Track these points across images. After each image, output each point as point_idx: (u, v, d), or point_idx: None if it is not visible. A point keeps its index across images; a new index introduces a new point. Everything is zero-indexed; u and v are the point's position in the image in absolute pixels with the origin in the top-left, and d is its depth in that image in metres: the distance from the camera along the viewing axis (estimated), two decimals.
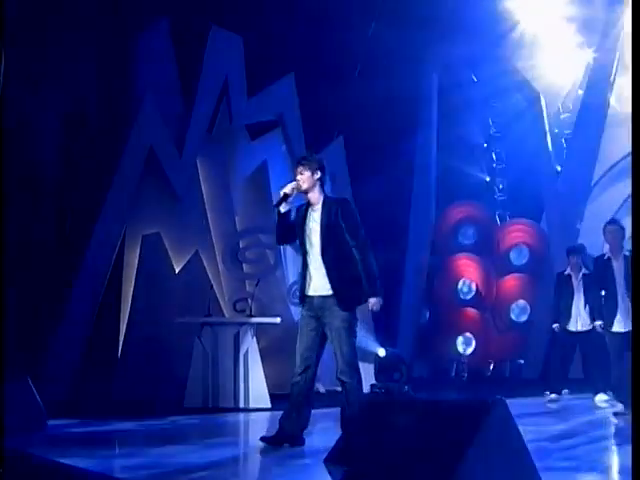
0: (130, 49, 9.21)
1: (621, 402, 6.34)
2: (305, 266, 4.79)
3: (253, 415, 7.00)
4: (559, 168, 11.52)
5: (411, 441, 3.25)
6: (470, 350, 11.34)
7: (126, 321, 8.60)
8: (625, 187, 9.21)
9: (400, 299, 11.31)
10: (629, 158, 8.22)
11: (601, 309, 6.61)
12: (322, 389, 8.44)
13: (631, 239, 4.68)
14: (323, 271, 4.71)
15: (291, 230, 4.83)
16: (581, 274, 7.87)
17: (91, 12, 9.05)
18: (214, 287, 8.79)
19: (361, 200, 9.87)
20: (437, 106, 11.76)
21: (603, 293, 6.60)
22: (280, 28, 9.72)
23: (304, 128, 9.74)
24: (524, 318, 11.32)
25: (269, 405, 7.14)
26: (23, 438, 5.02)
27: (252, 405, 7.20)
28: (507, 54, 11.30)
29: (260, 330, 7.62)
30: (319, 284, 4.71)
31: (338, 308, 4.67)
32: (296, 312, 7.57)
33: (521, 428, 3.15)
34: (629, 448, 3.43)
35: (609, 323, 6.45)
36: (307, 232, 4.76)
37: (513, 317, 11.44)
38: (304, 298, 4.79)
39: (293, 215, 4.86)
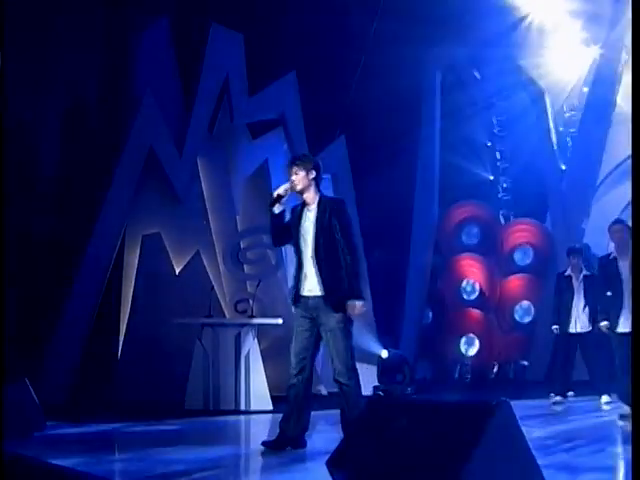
0: (130, 48, 9.22)
1: (628, 404, 6.31)
2: (299, 266, 4.79)
3: (254, 417, 6.98)
4: (564, 167, 11.48)
5: (414, 444, 3.24)
6: (472, 351, 11.32)
7: (126, 322, 8.60)
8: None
9: (403, 300, 11.29)
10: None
11: (607, 310, 6.59)
12: (324, 391, 8.43)
13: (631, 239, 4.65)
14: (317, 271, 4.70)
15: (286, 231, 4.83)
16: (582, 275, 7.86)
17: (91, 11, 9.06)
18: (215, 288, 8.78)
19: (364, 200, 9.89)
20: (440, 105, 11.74)
21: (609, 294, 6.57)
22: (281, 26, 9.72)
23: (306, 127, 9.72)
24: (528, 319, 11.29)
25: (271, 407, 7.13)
26: (21, 440, 5.02)
27: (253, 407, 7.19)
28: (511, 52, 11.27)
29: (261, 331, 7.61)
30: (314, 284, 4.71)
31: (332, 309, 4.65)
32: None
33: (525, 430, 3.13)
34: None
35: (614, 324, 6.43)
36: (302, 232, 4.77)
37: (517, 318, 11.41)
38: (298, 298, 4.77)
39: (287, 216, 4.85)
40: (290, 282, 5.05)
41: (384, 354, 9.35)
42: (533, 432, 5.20)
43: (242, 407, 7.20)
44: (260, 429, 6.44)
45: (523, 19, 11.39)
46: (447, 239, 11.95)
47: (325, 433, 5.27)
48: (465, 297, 11.70)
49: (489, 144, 12.72)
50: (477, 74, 11.93)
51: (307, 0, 9.93)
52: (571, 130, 11.72)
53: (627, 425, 5.87)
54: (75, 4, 8.81)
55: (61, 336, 8.26)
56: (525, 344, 11.11)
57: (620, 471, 4.32)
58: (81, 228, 8.49)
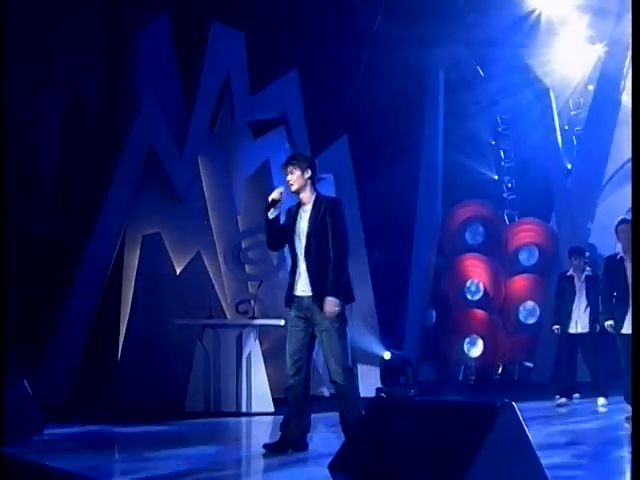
0: (130, 46, 9.21)
1: None
2: (294, 266, 4.79)
3: (256, 419, 6.97)
4: (569, 166, 11.45)
5: (417, 446, 3.23)
6: (476, 352, 11.30)
7: (126, 323, 8.60)
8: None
9: (406, 300, 11.27)
10: None
11: (612, 309, 6.57)
12: (326, 392, 8.42)
13: (632, 240, 4.63)
14: (308, 270, 4.71)
15: (282, 234, 4.82)
16: (584, 276, 7.84)
17: (90, 10, 9.06)
18: (216, 288, 8.78)
19: (366, 199, 9.88)
20: (443, 103, 11.72)
21: (615, 294, 6.55)
22: (283, 23, 9.71)
23: (308, 126, 9.71)
24: (533, 320, 11.27)
25: (272, 409, 7.11)
26: (19, 443, 5.02)
27: (255, 409, 7.18)
28: (515, 49, 11.24)
29: (263, 332, 7.60)
30: (306, 284, 4.71)
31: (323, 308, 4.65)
32: None
33: (530, 432, 3.12)
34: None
35: (620, 324, 6.41)
36: (297, 232, 4.77)
37: (522, 319, 11.39)
38: (292, 299, 4.77)
39: (283, 219, 4.84)
40: None
41: (387, 355, 9.33)
42: (538, 434, 5.19)
43: (243, 409, 7.19)
44: (261, 431, 6.43)
45: (528, 16, 11.37)
46: (451, 239, 11.92)
47: (327, 435, 5.26)
48: (469, 297, 11.68)
49: (493, 143, 12.69)
50: (481, 72, 11.91)
51: None
52: (576, 128, 11.68)
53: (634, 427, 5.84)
54: (75, 3, 8.82)
55: (61, 337, 8.26)
56: (530, 345, 11.09)
57: (626, 474, 4.30)
58: (81, 228, 8.49)
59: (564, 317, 7.80)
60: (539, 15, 11.34)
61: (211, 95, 9.30)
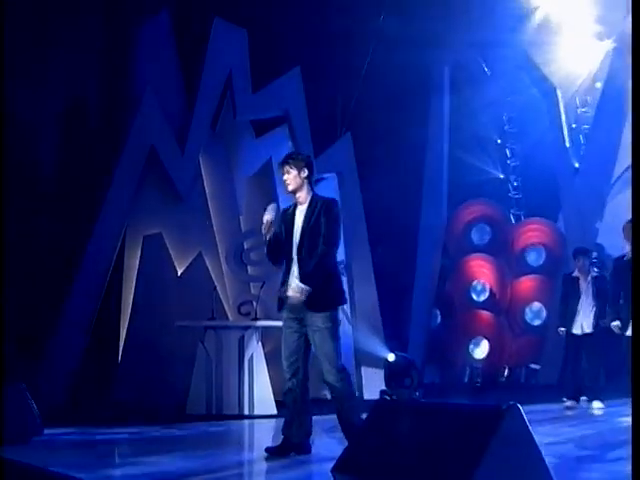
0: (130, 44, 9.22)
1: None
2: (287, 267, 4.78)
3: (258, 422, 6.97)
4: (577, 165, 11.43)
5: (422, 449, 3.22)
6: (482, 354, 11.29)
7: (126, 325, 8.60)
8: None
9: (411, 302, 11.27)
10: None
11: (618, 311, 6.55)
12: (329, 395, 8.40)
13: (632, 240, 4.62)
14: (298, 270, 4.71)
15: (280, 247, 4.80)
16: (590, 277, 7.82)
17: (90, 8, 9.07)
18: (218, 289, 8.78)
19: (370, 199, 9.87)
20: (449, 101, 11.71)
21: (622, 294, 6.54)
22: (286, 20, 9.70)
23: (311, 124, 9.70)
24: (540, 321, 11.26)
25: (275, 412, 7.11)
26: (18, 445, 5.02)
27: (257, 412, 7.18)
28: (522, 46, 11.22)
29: (266, 334, 7.60)
30: (298, 284, 4.69)
31: (314, 309, 4.65)
32: None
33: (537, 435, 3.11)
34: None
35: (626, 326, 6.40)
36: (292, 233, 4.76)
37: (528, 320, 11.38)
38: (285, 300, 4.76)
39: (279, 227, 4.83)
40: None
41: (391, 358, 9.32)
42: (544, 437, 5.18)
43: (245, 411, 7.19)
44: (264, 434, 6.42)
45: (534, 12, 11.35)
46: (456, 239, 11.92)
47: (329, 438, 5.25)
48: (475, 298, 11.68)
49: (499, 141, 12.69)
50: (487, 70, 11.90)
51: None
52: (584, 127, 11.67)
53: None
54: (74, 2, 8.83)
55: (61, 338, 8.26)
56: (537, 347, 11.08)
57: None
58: (81, 228, 8.50)
59: (569, 319, 7.78)
60: (546, 11, 11.32)
61: (213, 93, 9.30)
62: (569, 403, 7.76)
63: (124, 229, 8.76)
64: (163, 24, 9.29)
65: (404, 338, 10.87)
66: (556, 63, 11.47)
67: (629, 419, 6.35)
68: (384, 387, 8.94)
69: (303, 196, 4.78)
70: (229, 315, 8.93)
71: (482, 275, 11.61)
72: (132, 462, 4.88)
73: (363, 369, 9.33)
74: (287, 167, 4.78)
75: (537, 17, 11.37)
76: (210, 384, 7.31)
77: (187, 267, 8.98)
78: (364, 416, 3.90)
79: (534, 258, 11.58)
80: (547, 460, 3.14)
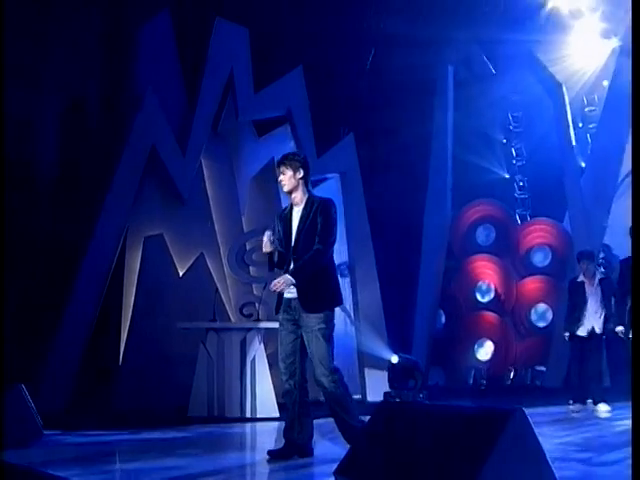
0: (131, 43, 9.23)
1: None
2: (285, 267, 4.79)
3: (260, 425, 6.97)
4: (583, 164, 11.41)
5: (425, 452, 3.22)
6: (487, 355, 11.27)
7: (127, 327, 8.61)
8: None
9: (415, 303, 11.26)
10: None
11: (622, 314, 6.53)
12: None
13: (631, 240, 4.61)
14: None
15: (280, 258, 4.84)
16: (596, 280, 7.80)
17: (91, 8, 9.09)
18: (219, 291, 8.79)
19: (374, 199, 9.87)
20: (453, 100, 11.70)
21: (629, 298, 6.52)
22: (288, 18, 9.71)
23: (314, 124, 9.71)
24: (545, 323, 11.24)
25: (277, 414, 7.11)
26: (18, 450, 5.02)
27: (259, 414, 7.18)
28: (528, 44, 11.21)
29: (268, 336, 7.59)
30: (294, 285, 4.70)
31: (308, 309, 4.66)
32: None
33: (542, 438, 3.10)
34: None
35: (629, 330, 6.37)
36: (290, 233, 4.78)
37: (534, 321, 11.36)
38: (281, 302, 4.78)
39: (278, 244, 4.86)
40: None
41: (394, 359, 9.31)
42: (550, 440, 5.17)
43: (248, 414, 7.20)
44: (266, 437, 6.43)
45: (540, 10, 11.34)
46: (461, 239, 11.92)
47: (332, 441, 5.24)
48: (480, 299, 11.68)
49: (504, 141, 12.68)
50: (492, 68, 11.89)
51: None
52: (591, 126, 11.65)
53: None
54: (75, 1, 8.85)
55: (61, 341, 8.27)
56: (542, 349, 11.06)
57: None
58: (81, 229, 8.51)
59: (575, 322, 7.76)
60: (551, 9, 11.31)
61: (214, 93, 9.30)
62: (575, 407, 7.75)
63: (125, 230, 8.76)
64: (164, 23, 9.30)
65: (408, 339, 10.86)
66: (562, 61, 11.46)
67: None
68: (388, 389, 8.93)
69: (299, 197, 4.80)
70: (231, 317, 8.93)
71: (487, 276, 11.61)
72: (133, 465, 4.88)
73: (366, 371, 9.33)
74: (283, 168, 4.80)
75: (543, 15, 11.36)
76: (212, 386, 7.32)
77: (189, 268, 8.98)
78: (366, 418, 3.90)
79: (540, 259, 11.57)
80: (552, 463, 3.13)
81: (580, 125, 11.73)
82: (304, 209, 4.77)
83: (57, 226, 8.52)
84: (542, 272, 11.51)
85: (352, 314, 9.23)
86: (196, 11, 9.43)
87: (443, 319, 11.79)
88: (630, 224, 6.75)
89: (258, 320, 7.64)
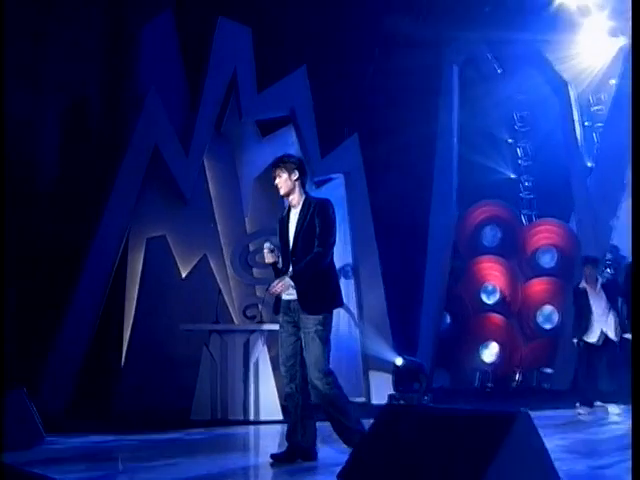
0: (133, 43, 9.24)
1: None
2: (285, 269, 4.80)
3: (264, 427, 6.98)
4: (590, 164, 11.39)
5: (430, 455, 3.22)
6: (493, 358, 11.26)
7: (130, 329, 8.62)
8: None
9: (420, 304, 11.24)
10: None
11: (625, 319, 6.52)
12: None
13: (631, 241, 4.60)
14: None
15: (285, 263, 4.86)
16: (599, 285, 7.79)
17: (92, 7, 9.12)
18: (223, 292, 8.79)
19: (378, 200, 9.87)
20: (458, 99, 11.69)
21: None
22: (291, 18, 9.72)
23: (317, 124, 9.71)
24: (552, 325, 11.22)
25: (281, 417, 7.11)
26: (20, 453, 5.04)
27: (263, 417, 7.19)
28: (534, 43, 11.20)
29: (271, 338, 7.60)
30: (293, 287, 4.71)
31: (307, 311, 4.66)
32: None
33: (547, 441, 3.11)
34: None
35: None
36: (287, 236, 4.79)
37: (540, 323, 11.34)
38: (280, 303, 4.78)
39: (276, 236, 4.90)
40: None
41: (399, 361, 9.32)
42: (556, 443, 5.17)
43: (251, 417, 7.21)
44: (269, 440, 6.44)
45: (546, 9, 11.32)
46: (466, 240, 11.91)
47: (335, 444, 5.24)
48: (485, 301, 11.66)
49: (510, 141, 12.66)
50: (498, 68, 11.88)
51: None
52: (598, 125, 11.62)
53: None
54: (76, 1, 8.87)
55: (62, 343, 8.28)
56: (549, 351, 11.04)
57: None
58: (84, 230, 8.53)
59: (582, 329, 7.76)
60: (558, 7, 11.29)
61: (217, 93, 9.31)
62: (582, 409, 7.74)
63: (127, 231, 8.78)
64: (166, 23, 9.31)
65: (413, 341, 10.85)
66: (569, 60, 11.44)
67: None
68: (392, 391, 8.94)
69: (296, 199, 4.82)
70: (234, 319, 8.94)
71: (493, 277, 11.60)
72: (135, 468, 4.89)
73: (371, 373, 9.33)
74: (278, 171, 4.83)
75: (551, 12, 11.34)
76: (215, 389, 7.33)
77: (191, 270, 9.00)
78: (370, 421, 3.90)
79: (546, 260, 11.55)
80: (557, 466, 3.14)
81: (587, 124, 11.71)
82: (301, 211, 4.78)
83: (58, 227, 8.54)
84: (548, 273, 11.49)
85: (356, 316, 9.22)
86: (199, 10, 9.44)
87: (448, 320, 11.79)
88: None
89: (261, 322, 7.66)
